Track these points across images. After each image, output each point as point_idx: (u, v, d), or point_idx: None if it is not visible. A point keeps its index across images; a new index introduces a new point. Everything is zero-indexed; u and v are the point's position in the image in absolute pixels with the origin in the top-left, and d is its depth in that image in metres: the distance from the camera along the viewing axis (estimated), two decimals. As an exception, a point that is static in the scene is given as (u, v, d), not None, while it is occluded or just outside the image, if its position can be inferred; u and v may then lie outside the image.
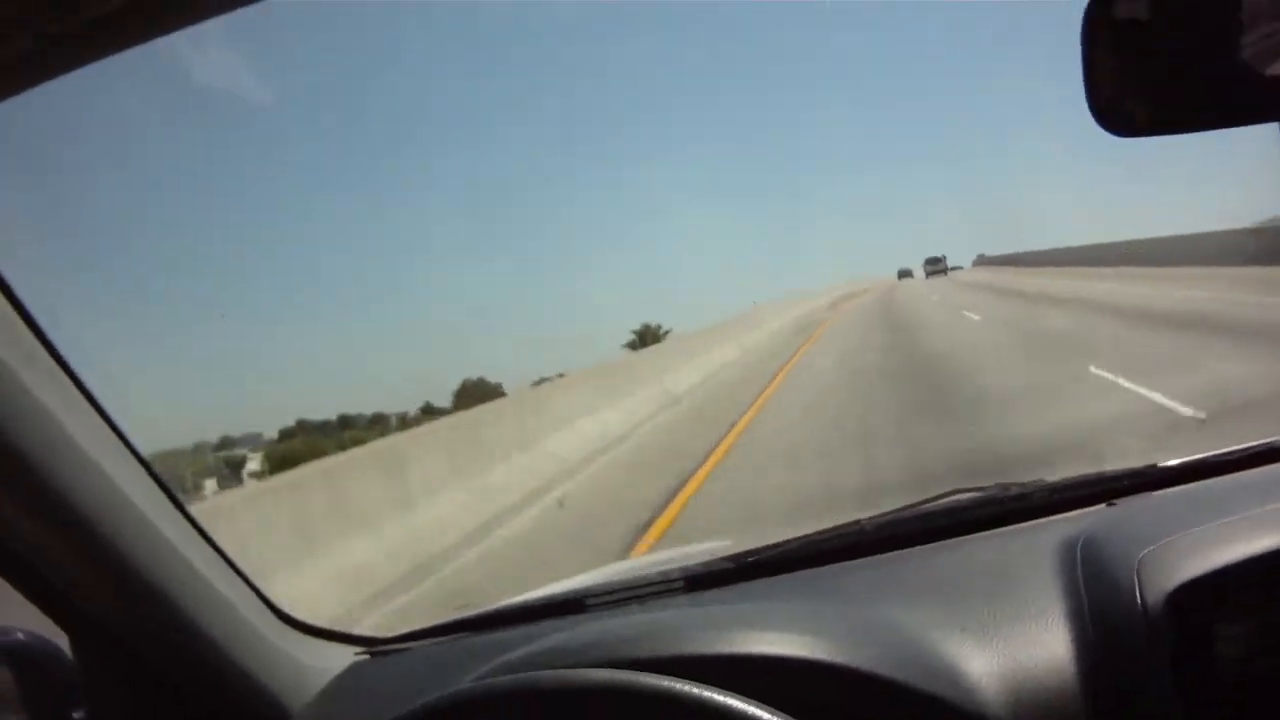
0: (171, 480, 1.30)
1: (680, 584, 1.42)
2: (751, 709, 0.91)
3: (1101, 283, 23.84)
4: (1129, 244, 30.99)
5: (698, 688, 0.93)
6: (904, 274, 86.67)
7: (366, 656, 1.48)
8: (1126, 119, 0.86)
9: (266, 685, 1.33)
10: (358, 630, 1.56)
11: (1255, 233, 19.05)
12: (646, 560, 1.67)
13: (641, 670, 0.97)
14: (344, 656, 1.47)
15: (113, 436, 1.23)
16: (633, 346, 37.11)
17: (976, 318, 20.70)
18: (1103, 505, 1.39)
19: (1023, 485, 1.50)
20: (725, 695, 0.92)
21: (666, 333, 41.01)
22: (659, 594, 1.42)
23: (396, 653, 1.48)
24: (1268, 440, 1.45)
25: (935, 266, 79.16)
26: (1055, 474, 1.53)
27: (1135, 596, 1.04)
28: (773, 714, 0.92)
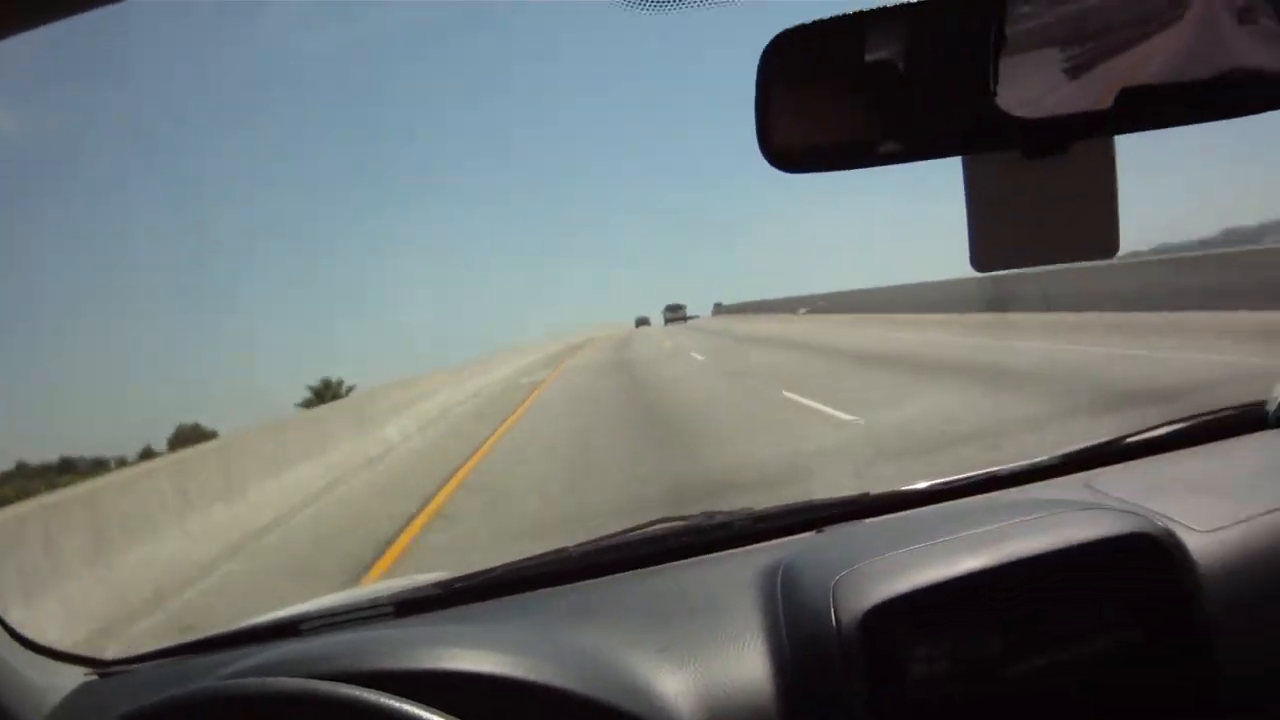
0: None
1: (390, 609, 1.44)
2: None
3: (824, 326, 28.42)
4: (866, 291, 34.44)
5: (391, 698, 0.93)
6: (641, 322, 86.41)
7: (95, 677, 1.48)
8: (798, 157, 0.89)
9: None
10: (88, 652, 1.56)
11: (992, 281, 20.66)
12: (362, 590, 1.73)
13: (341, 683, 0.99)
14: (74, 677, 1.47)
15: None
16: (309, 404, 32.90)
17: (700, 357, 23.05)
18: (810, 533, 1.43)
19: (729, 513, 1.54)
20: (419, 708, 0.92)
21: (350, 389, 36.56)
22: (370, 618, 1.44)
23: (124, 674, 1.48)
24: (971, 473, 1.53)
25: (674, 314, 79.73)
26: (768, 500, 1.57)
27: (830, 618, 1.08)
28: None
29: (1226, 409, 1.65)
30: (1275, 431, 1.59)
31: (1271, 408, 1.61)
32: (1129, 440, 1.62)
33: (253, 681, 1.00)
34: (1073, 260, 0.96)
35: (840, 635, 1.07)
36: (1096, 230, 0.94)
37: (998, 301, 19.55)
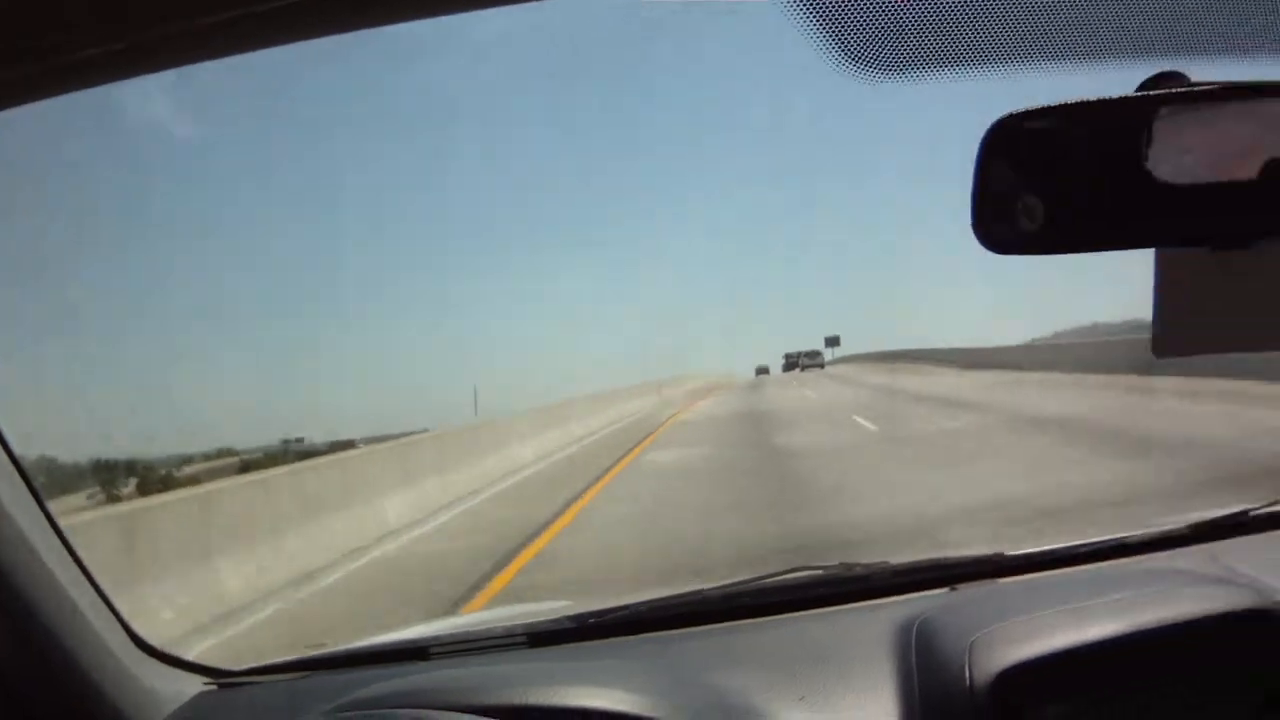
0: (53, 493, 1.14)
1: (523, 639, 1.45)
2: None
3: (942, 378, 27.68)
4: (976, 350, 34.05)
5: None
6: (761, 371, 74.46)
7: (214, 687, 1.48)
8: (1008, 238, 0.91)
9: (115, 709, 1.32)
10: (211, 661, 1.56)
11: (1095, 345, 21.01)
12: (488, 615, 1.74)
13: (485, 717, 1.01)
14: (193, 685, 1.46)
15: None
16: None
17: (870, 426, 16.73)
18: (945, 589, 1.46)
19: (866, 566, 1.56)
20: None
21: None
22: (501, 647, 1.44)
23: (244, 685, 1.48)
24: (1105, 538, 1.56)
25: (811, 360, 68.62)
26: (904, 555, 1.59)
27: (965, 677, 1.11)
28: None
29: None
30: None
31: None
32: (1256, 512, 1.61)
33: (425, 714, 1.02)
34: (1254, 350, 1.00)
35: (973, 694, 1.09)
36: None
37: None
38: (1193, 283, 0.96)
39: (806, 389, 30.39)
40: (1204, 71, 0.90)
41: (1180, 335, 0.99)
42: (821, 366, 65.21)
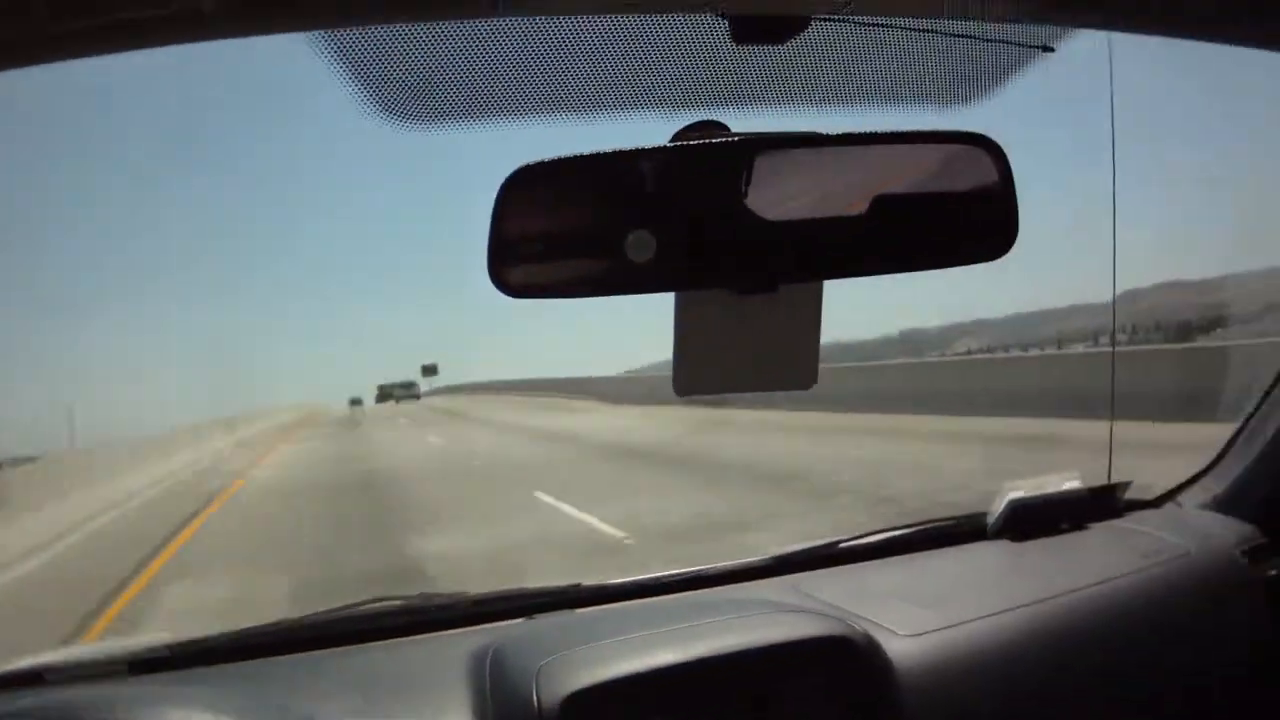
0: None
1: (124, 666, 1.45)
2: None
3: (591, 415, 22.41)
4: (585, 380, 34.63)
5: None
6: (355, 402, 67.65)
7: None
8: (525, 285, 0.91)
9: None
10: None
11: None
12: (106, 644, 1.55)
13: None
14: None
15: None
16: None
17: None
18: (522, 619, 1.49)
19: (447, 596, 1.61)
20: None
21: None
22: (107, 674, 1.44)
23: None
24: (681, 570, 1.60)
25: (407, 391, 66.43)
26: (485, 588, 1.61)
27: (533, 703, 1.15)
28: None
29: (948, 518, 1.79)
30: (992, 542, 1.71)
31: (992, 519, 1.72)
32: (843, 545, 1.70)
33: None
34: (772, 389, 1.05)
35: (542, 719, 1.14)
36: (798, 363, 1.01)
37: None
38: (713, 324, 0.98)
39: (426, 432, 22.43)
40: (740, 121, 0.92)
41: (698, 374, 1.00)
42: (417, 398, 62.32)
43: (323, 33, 0.89)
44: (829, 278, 0.96)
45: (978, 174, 0.96)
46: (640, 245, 0.90)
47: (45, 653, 1.53)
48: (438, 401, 47.83)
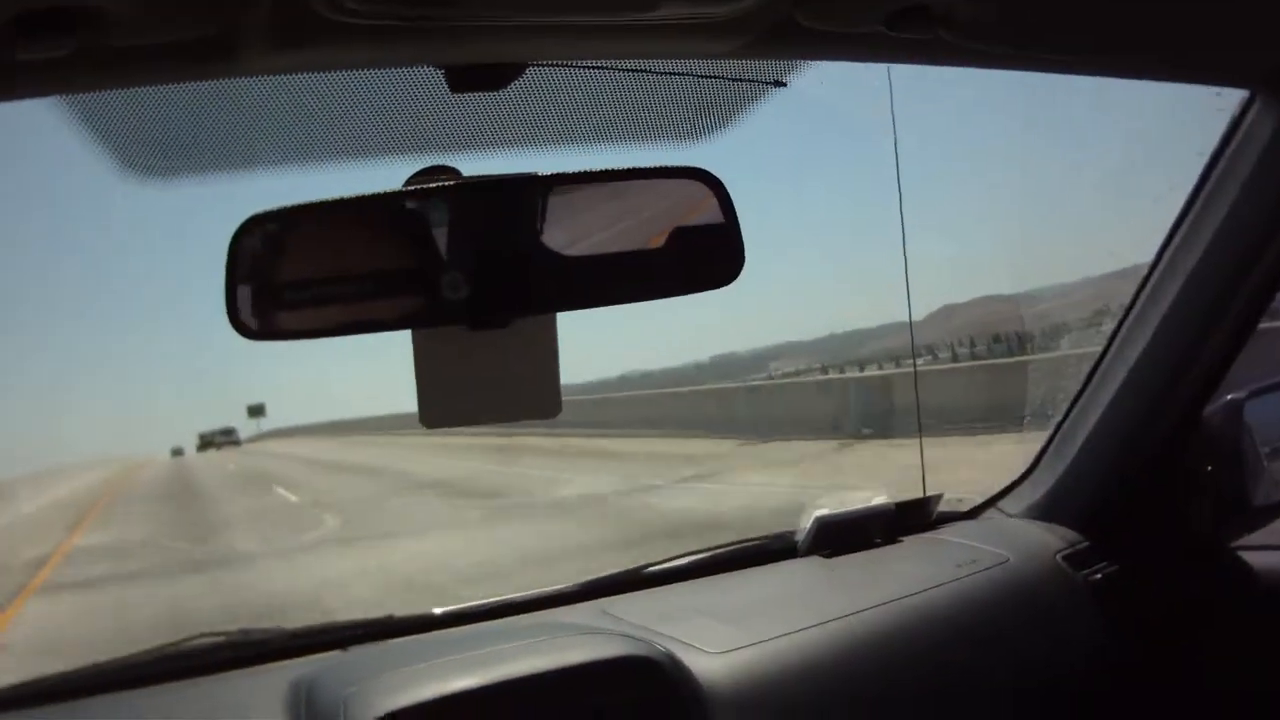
0: None
1: None
2: None
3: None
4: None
5: None
6: (177, 453, 67.76)
7: None
8: (263, 327, 0.94)
9: None
10: None
11: None
12: None
13: None
14: None
15: None
16: None
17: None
18: (338, 650, 1.50)
19: (265, 631, 1.59)
20: None
21: None
22: None
23: None
24: (490, 599, 1.62)
25: (228, 438, 66.20)
26: (299, 622, 1.75)
27: None
28: None
29: (757, 537, 1.81)
30: (801, 560, 1.72)
31: (800, 536, 1.75)
32: (654, 568, 1.70)
33: None
34: (517, 419, 1.11)
35: None
36: (540, 392, 1.05)
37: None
38: (449, 360, 1.01)
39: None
40: (471, 164, 0.97)
41: (442, 407, 1.03)
42: (237, 444, 63.02)
43: (61, 97, 0.90)
44: (559, 310, 1.01)
45: (702, 205, 1.02)
46: (372, 287, 0.94)
47: None
48: (277, 447, 47.27)
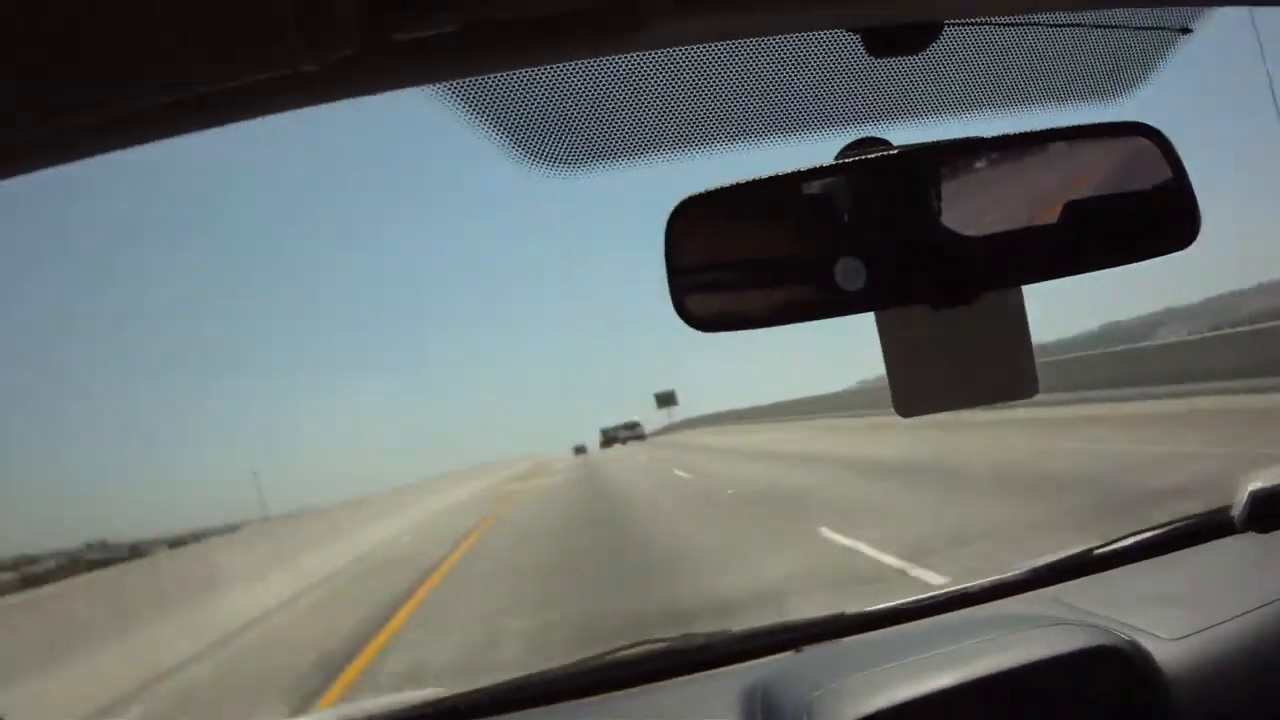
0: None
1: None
2: None
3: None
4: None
5: None
6: (580, 450, 70.21)
7: None
8: (714, 318, 0.90)
9: None
10: None
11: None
12: (354, 706, 1.56)
13: None
14: None
15: None
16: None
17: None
18: (789, 653, 1.48)
19: (708, 635, 1.59)
20: None
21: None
22: None
23: None
24: (943, 590, 1.62)
25: (632, 432, 67.11)
26: (748, 622, 1.69)
27: None
28: None
29: (1193, 516, 1.71)
30: (1241, 536, 1.63)
31: (1236, 512, 1.64)
32: (1097, 552, 1.66)
33: None
34: (993, 402, 1.00)
35: None
36: (1012, 373, 0.98)
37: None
38: (917, 342, 0.96)
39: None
40: (892, 134, 0.91)
41: (916, 394, 0.98)
42: (642, 438, 61.26)
43: (454, 82, 0.86)
44: (1022, 283, 0.95)
45: (1148, 164, 0.94)
46: (819, 268, 0.88)
47: (305, 715, 1.71)
48: (699, 438, 43.76)
